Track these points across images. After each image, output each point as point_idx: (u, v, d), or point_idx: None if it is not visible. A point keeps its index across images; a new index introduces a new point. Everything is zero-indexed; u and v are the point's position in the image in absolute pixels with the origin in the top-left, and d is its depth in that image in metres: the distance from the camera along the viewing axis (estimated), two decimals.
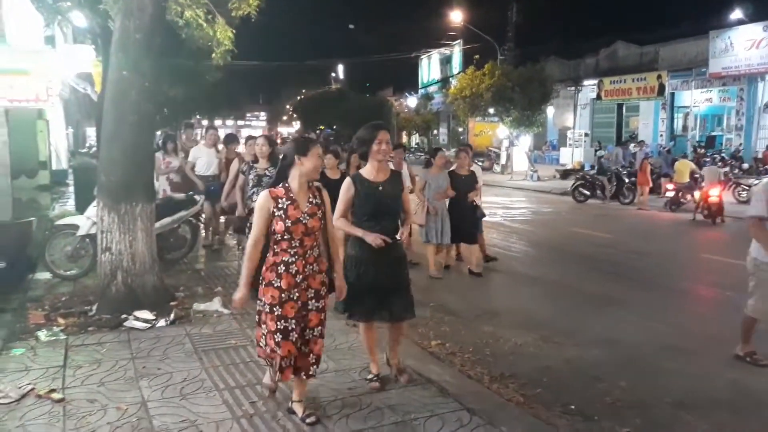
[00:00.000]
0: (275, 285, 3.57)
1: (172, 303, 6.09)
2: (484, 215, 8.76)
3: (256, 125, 79.30)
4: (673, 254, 10.22)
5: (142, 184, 6.02)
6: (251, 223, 5.72)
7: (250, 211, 6.05)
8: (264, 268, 3.63)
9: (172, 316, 5.70)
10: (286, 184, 3.63)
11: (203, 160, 9.20)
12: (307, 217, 3.59)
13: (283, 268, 3.57)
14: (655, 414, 4.25)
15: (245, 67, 38.64)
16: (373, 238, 4.02)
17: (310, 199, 3.67)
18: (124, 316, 5.63)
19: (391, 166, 6.43)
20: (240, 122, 74.50)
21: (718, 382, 4.80)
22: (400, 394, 4.19)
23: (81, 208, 9.87)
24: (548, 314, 6.61)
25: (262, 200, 3.60)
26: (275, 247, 3.60)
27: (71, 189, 14.41)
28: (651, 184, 16.48)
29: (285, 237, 3.56)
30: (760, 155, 20.09)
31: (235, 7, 8.21)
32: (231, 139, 9.74)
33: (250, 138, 8.86)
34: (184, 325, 5.59)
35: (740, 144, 21.90)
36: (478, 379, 4.67)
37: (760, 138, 21.89)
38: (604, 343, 5.68)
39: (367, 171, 4.21)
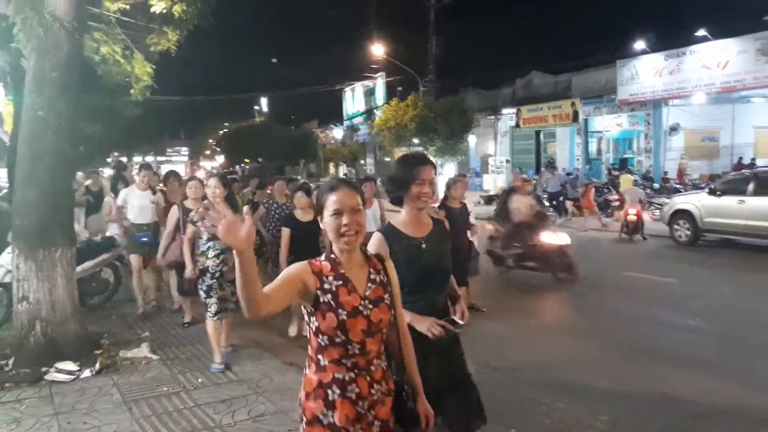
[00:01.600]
0: (325, 422, 2.18)
1: (97, 351, 5.77)
2: (478, 254, 7.93)
3: (177, 160, 77.29)
4: (599, 272, 10.62)
5: (60, 227, 5.73)
6: (208, 286, 5.35)
7: (202, 272, 5.41)
8: (303, 393, 2.26)
9: (97, 365, 5.41)
10: (332, 255, 2.27)
11: (135, 204, 7.51)
12: (370, 306, 2.24)
13: (338, 392, 2.19)
14: None
15: (165, 101, 37.79)
16: (430, 325, 2.71)
17: (372, 276, 2.32)
18: (44, 369, 5.29)
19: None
20: (160, 158, 72.54)
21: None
22: None
23: None
24: (488, 341, 6.69)
25: (295, 272, 2.21)
26: (320, 357, 2.23)
27: None
28: (596, 208, 17.20)
29: (338, 339, 2.19)
30: (669, 175, 21.35)
31: (153, 42, 8.06)
32: (173, 177, 8.13)
33: (172, 174, 8.23)
34: (110, 375, 5.32)
35: (650, 165, 23.18)
36: None
37: (667, 159, 23.25)
38: (541, 365, 5.80)
39: (403, 222, 2.91)
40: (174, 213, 6.36)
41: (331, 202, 2.23)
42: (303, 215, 6.19)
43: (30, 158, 5.63)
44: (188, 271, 5.50)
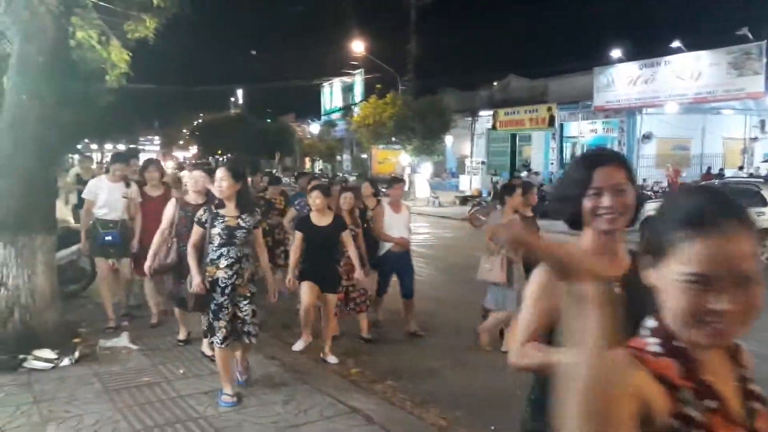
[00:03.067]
0: None
1: (76, 340, 5.72)
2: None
3: (150, 149, 76.31)
4: None
5: (42, 214, 5.66)
6: (218, 305, 4.39)
7: (211, 285, 4.44)
8: None
9: (76, 354, 5.37)
10: (683, 350, 1.09)
11: (103, 198, 6.48)
12: None
13: None
14: None
15: (140, 90, 37.26)
16: None
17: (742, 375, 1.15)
18: (22, 356, 5.21)
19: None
20: (132, 146, 71.53)
21: None
22: (325, 425, 4.17)
23: None
24: (459, 336, 6.79)
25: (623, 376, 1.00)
26: None
27: None
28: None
29: None
30: (645, 182, 21.79)
31: (131, 29, 7.97)
32: (152, 167, 7.01)
33: (151, 164, 7.22)
34: (90, 364, 5.28)
35: None
36: (401, 406, 4.74)
37: (639, 167, 23.73)
38: None
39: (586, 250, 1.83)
40: (170, 209, 5.48)
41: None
42: (319, 218, 5.56)
43: (12, 144, 5.54)
44: (195, 284, 4.40)
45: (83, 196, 6.71)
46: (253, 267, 4.64)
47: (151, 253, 5.46)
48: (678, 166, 22.41)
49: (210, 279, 4.43)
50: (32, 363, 5.16)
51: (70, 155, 21.19)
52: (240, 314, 4.49)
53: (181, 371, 5.15)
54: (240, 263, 4.47)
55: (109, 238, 6.44)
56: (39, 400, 4.50)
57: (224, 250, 4.44)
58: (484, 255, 5.97)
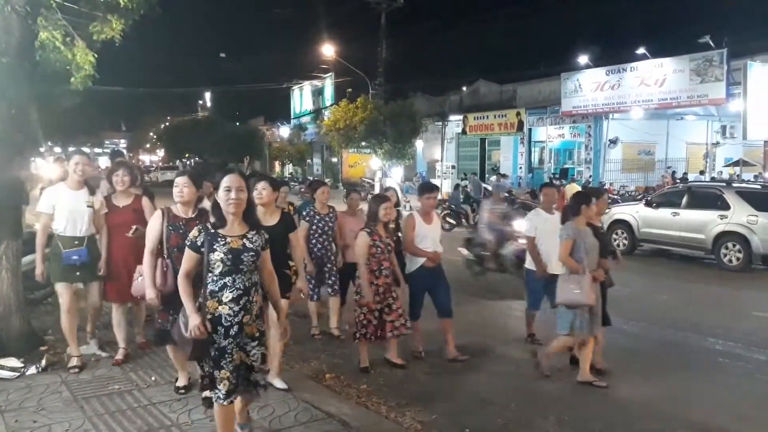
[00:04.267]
0: None
1: (42, 348, 5.59)
2: None
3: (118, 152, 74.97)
4: None
5: (7, 219, 5.53)
6: (219, 349, 3.44)
7: (211, 325, 3.45)
8: None
9: (43, 362, 5.23)
10: None
11: (65, 208, 5.20)
12: None
13: None
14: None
15: (107, 92, 36.64)
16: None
17: None
18: None
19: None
20: (97, 149, 70.26)
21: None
22: (300, 431, 4.15)
23: None
24: (435, 340, 6.81)
25: None
26: None
27: None
28: None
29: None
30: (608, 186, 22.18)
31: (96, 30, 7.84)
32: (123, 169, 5.56)
33: (121, 163, 6.06)
34: (58, 372, 5.15)
35: (590, 176, 24.04)
36: (376, 410, 4.73)
37: (606, 170, 24.17)
38: (491, 364, 5.97)
39: None
40: (156, 224, 4.51)
41: None
42: (264, 217, 4.86)
43: None
44: (193, 326, 3.38)
45: (37, 209, 5.35)
46: (261, 299, 3.69)
47: (147, 280, 4.49)
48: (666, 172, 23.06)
49: (210, 317, 3.45)
50: None
51: (32, 158, 20.65)
52: (247, 360, 3.55)
53: (153, 378, 5.06)
54: (248, 295, 3.50)
55: (75, 257, 5.20)
56: (5, 410, 4.37)
57: (228, 279, 3.46)
58: (563, 274, 5.46)
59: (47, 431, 4.04)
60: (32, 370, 5.11)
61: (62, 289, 5.28)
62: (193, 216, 4.55)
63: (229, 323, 3.45)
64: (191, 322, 3.41)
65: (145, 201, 5.62)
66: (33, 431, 4.03)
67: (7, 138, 5.51)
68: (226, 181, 3.47)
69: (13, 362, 5.14)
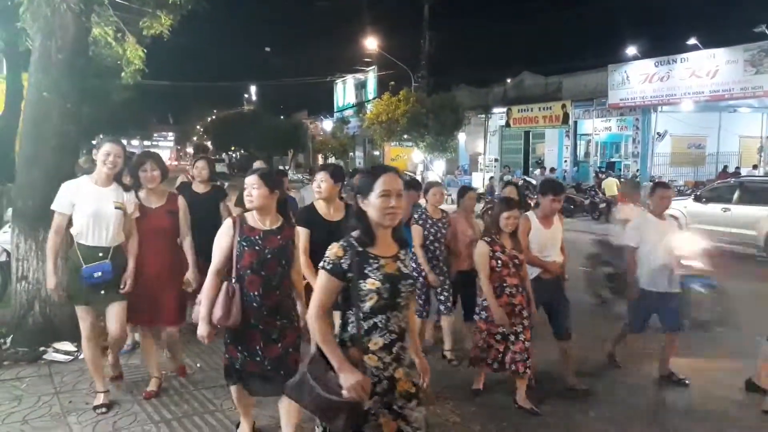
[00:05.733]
0: None
1: None
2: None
3: (163, 146, 77.02)
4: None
5: None
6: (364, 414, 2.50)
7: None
8: None
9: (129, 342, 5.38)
10: None
11: (87, 211, 4.19)
12: None
13: None
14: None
15: (155, 86, 37.59)
16: None
17: None
18: (42, 348, 5.34)
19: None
20: (147, 142, 72.20)
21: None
22: None
23: None
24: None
25: None
26: None
27: None
28: None
29: None
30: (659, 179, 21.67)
31: (146, 25, 8.06)
32: (150, 163, 4.51)
33: (147, 157, 4.58)
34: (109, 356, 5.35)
35: (637, 170, 23.51)
36: None
37: (654, 164, 23.59)
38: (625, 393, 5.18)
39: None
40: (226, 236, 3.54)
41: None
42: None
43: (34, 139, 5.64)
44: (353, 383, 2.42)
45: (52, 206, 4.27)
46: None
47: (203, 311, 3.47)
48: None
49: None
50: (52, 355, 5.27)
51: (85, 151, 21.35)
52: (405, 427, 2.58)
53: (198, 365, 5.22)
54: (402, 340, 2.63)
55: (97, 274, 4.14)
56: (60, 391, 4.59)
57: (381, 318, 2.55)
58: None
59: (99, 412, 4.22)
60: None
61: (83, 313, 4.28)
62: (274, 228, 3.57)
63: (376, 378, 2.53)
64: (348, 379, 2.41)
65: (181, 201, 4.67)
66: (85, 412, 4.22)
67: (64, 130, 5.73)
68: (382, 183, 2.57)
69: (67, 346, 5.37)
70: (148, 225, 4.46)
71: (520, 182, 21.36)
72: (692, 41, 22.12)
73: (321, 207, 4.36)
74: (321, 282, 2.56)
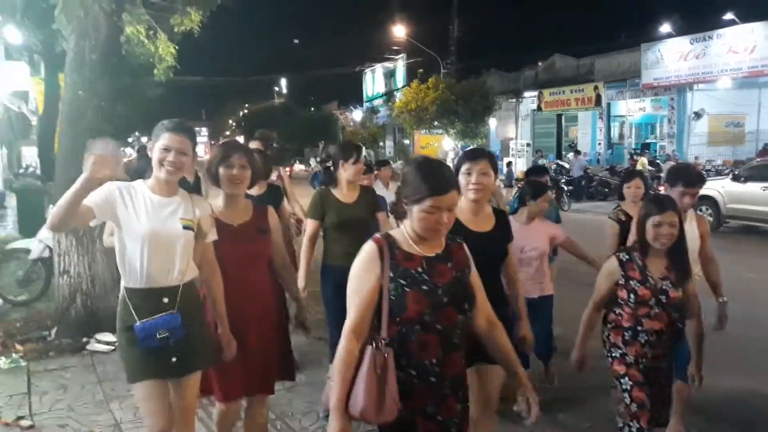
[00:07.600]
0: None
1: None
2: None
3: (198, 141, 77.98)
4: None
5: None
6: None
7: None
8: None
9: None
10: None
11: (141, 229, 2.63)
12: None
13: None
14: None
15: (187, 82, 38.16)
16: None
17: None
18: (85, 339, 5.54)
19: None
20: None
21: None
22: None
23: (24, 231, 9.57)
24: None
25: None
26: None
27: (9, 211, 13.91)
28: None
29: None
30: (697, 160, 21.18)
31: (177, 23, 8.21)
32: (236, 155, 3.02)
33: (233, 150, 3.09)
34: None
35: (673, 150, 23.03)
36: None
37: (690, 144, 23.08)
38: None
39: None
40: (368, 266, 2.09)
41: None
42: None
43: (72, 137, 5.82)
44: None
45: (90, 223, 2.72)
46: None
47: (333, 396, 2.03)
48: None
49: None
50: (94, 346, 5.46)
51: (122, 148, 21.88)
52: None
53: None
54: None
55: (163, 334, 2.60)
56: (102, 380, 4.77)
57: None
58: None
59: None
60: None
61: (145, 392, 2.67)
62: (440, 253, 2.15)
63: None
64: None
65: (271, 213, 3.23)
66: (126, 399, 4.36)
67: (98, 128, 5.90)
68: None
69: (109, 337, 5.55)
70: (233, 251, 2.97)
71: (554, 166, 21.19)
72: (729, 16, 21.52)
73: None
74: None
